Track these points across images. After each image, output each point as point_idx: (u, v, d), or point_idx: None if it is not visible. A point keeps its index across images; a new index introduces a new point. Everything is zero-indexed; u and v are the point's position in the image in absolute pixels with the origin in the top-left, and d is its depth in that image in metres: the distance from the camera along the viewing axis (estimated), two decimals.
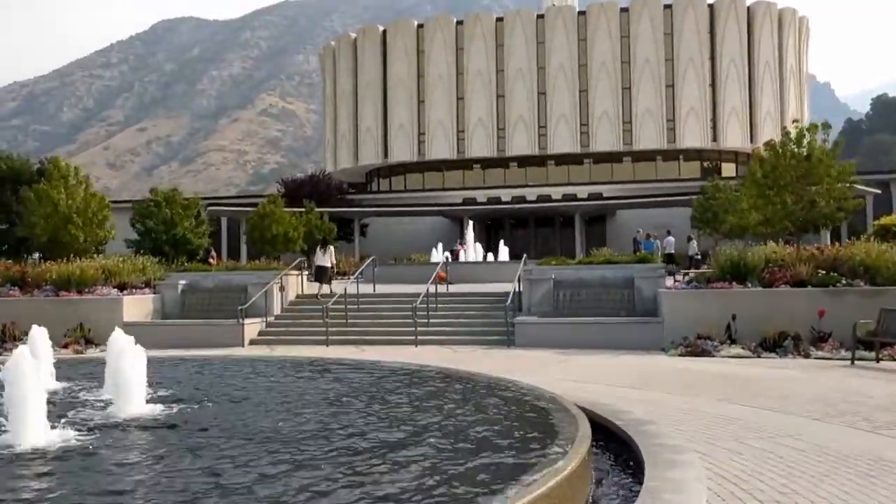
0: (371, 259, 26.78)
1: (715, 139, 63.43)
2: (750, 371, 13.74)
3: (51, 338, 19.62)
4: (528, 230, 55.61)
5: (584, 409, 7.33)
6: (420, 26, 68.46)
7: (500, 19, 67.05)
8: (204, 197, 56.84)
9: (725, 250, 18.49)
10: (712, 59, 63.70)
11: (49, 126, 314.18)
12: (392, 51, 67.59)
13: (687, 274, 21.57)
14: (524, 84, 64.11)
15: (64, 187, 23.25)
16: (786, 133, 20.14)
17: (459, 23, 67.28)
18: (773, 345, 15.90)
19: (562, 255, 29.97)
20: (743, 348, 15.96)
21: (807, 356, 15.46)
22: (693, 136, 62.84)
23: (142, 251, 28.89)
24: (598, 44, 63.66)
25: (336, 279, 26.71)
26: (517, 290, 20.11)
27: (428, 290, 20.12)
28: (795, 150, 19.72)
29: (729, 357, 15.65)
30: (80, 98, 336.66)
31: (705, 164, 63.27)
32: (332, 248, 27.50)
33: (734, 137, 63.12)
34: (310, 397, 8.36)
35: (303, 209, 41.90)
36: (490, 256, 34.04)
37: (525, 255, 23.67)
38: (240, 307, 19.25)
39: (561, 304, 19.48)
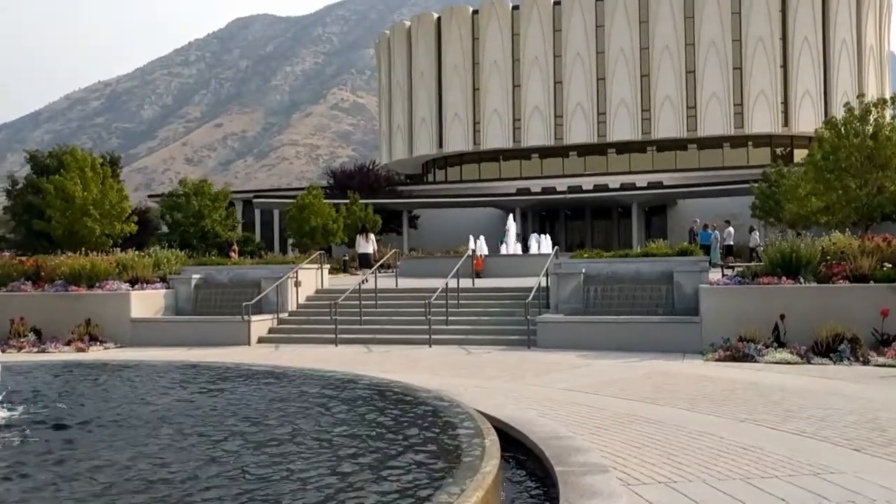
0: (393, 251, 25.45)
1: (786, 124, 59.89)
2: (793, 381, 11.82)
3: (57, 334, 19.04)
4: (585, 221, 53.48)
5: (533, 445, 5.73)
6: (475, 12, 66.77)
7: (557, 3, 64.78)
8: (258, 190, 56.63)
9: (775, 241, 16.42)
10: (783, 38, 60.07)
11: (131, 123, 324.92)
12: (446, 38, 66.08)
13: (728, 268, 19.47)
14: (583, 69, 61.79)
15: (80, 179, 22.45)
16: (849, 109, 17.75)
17: (515, 8, 65.29)
18: (826, 349, 13.88)
19: (620, 248, 28.14)
20: (791, 353, 13.97)
21: (865, 363, 13.40)
22: (762, 120, 59.43)
23: (167, 244, 28.09)
24: (660, 26, 60.80)
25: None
26: (545, 285, 18.55)
27: (447, 285, 18.64)
28: (860, 127, 17.37)
29: (773, 363, 13.70)
30: (159, 96, 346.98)
31: (776, 150, 59.75)
32: (372, 235, 27.84)
33: (807, 121, 59.38)
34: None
35: (347, 200, 40.84)
36: (534, 247, 32.30)
37: (556, 248, 21.92)
38: (245, 303, 18.13)
39: (591, 301, 17.77)
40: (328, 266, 23.22)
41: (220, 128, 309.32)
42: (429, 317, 16.89)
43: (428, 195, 56.43)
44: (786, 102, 60.08)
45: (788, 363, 13.60)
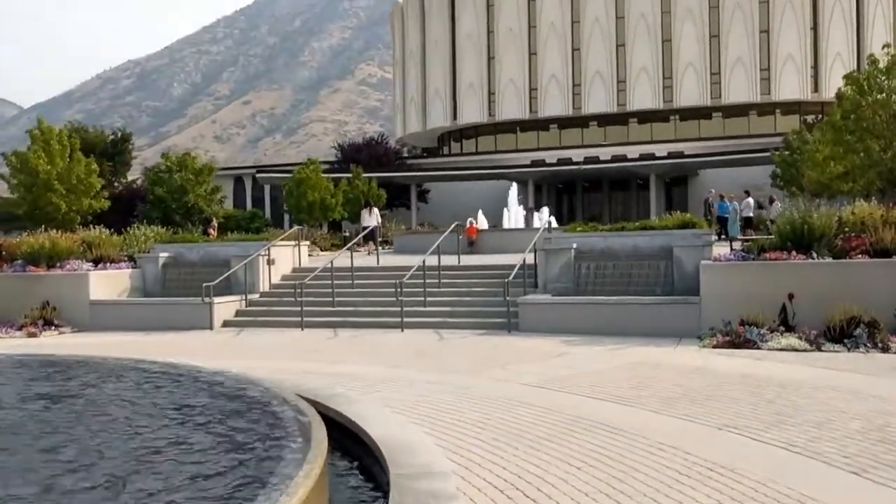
0: (373, 227, 23.92)
1: (816, 89, 56.95)
2: (796, 374, 10.15)
3: (13, 318, 17.82)
4: (603, 193, 51.36)
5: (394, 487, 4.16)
6: None
7: None
8: (261, 165, 55.32)
9: (786, 211, 14.60)
10: None
11: (160, 102, 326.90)
12: (460, 6, 63.75)
13: (746, 241, 17.66)
14: (601, 36, 59.21)
15: (44, 152, 21.09)
16: (873, 61, 15.71)
17: None
18: (839, 334, 12.16)
19: (639, 221, 26.36)
20: (799, 338, 12.27)
21: (885, 349, 11.68)
22: (791, 86, 56.57)
23: (145, 220, 26.74)
24: None
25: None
26: (532, 262, 16.99)
27: (425, 262, 17.10)
28: (886, 82, 15.35)
29: (779, 350, 12.01)
30: (188, 74, 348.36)
31: (806, 117, 56.85)
32: (376, 210, 27.90)
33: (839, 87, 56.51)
34: None
35: (350, 174, 39.37)
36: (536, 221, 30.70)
37: (550, 222, 20.23)
38: (205, 284, 16.69)
39: (582, 279, 16.13)
40: (306, 243, 21.76)
41: (248, 105, 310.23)
42: (400, 298, 15.39)
43: (437, 168, 54.60)
44: (816, 67, 57.15)
45: (795, 350, 11.92)
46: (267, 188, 53.80)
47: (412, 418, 7.70)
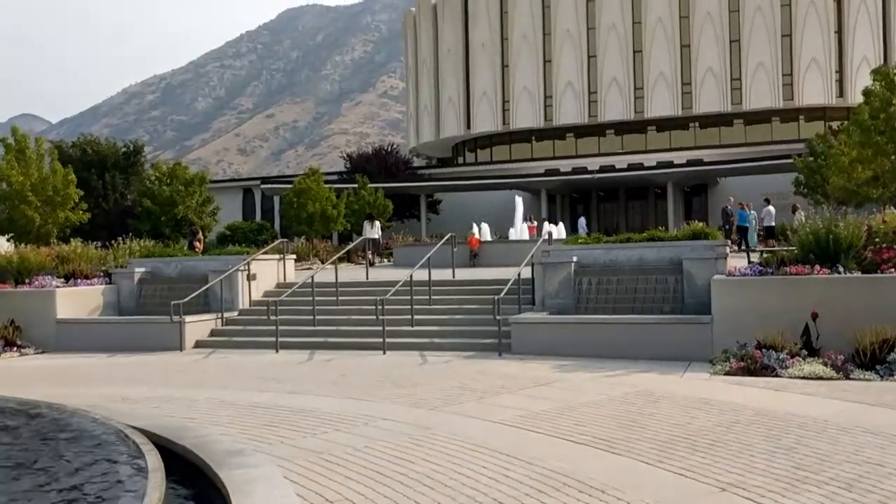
0: (361, 238, 22.61)
1: (841, 94, 55.05)
2: (820, 409, 8.64)
3: None
4: (619, 203, 49.71)
5: None
6: None
7: None
8: (265, 177, 54.17)
9: (809, 221, 13.07)
10: (838, 0, 55.21)
11: (185, 116, 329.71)
12: (474, 13, 62.56)
13: (763, 254, 16.16)
14: (618, 42, 57.68)
15: (17, 161, 19.99)
16: None
17: None
18: (870, 359, 10.65)
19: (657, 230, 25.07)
20: (825, 364, 10.76)
21: None
22: (815, 91, 54.70)
23: (135, 233, 25.50)
24: None
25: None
26: (528, 276, 15.62)
27: (412, 277, 15.74)
28: None
29: (800, 378, 10.50)
30: (212, 88, 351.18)
31: (831, 123, 54.96)
32: (377, 222, 27.59)
33: None
34: None
35: (355, 184, 38.10)
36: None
37: (551, 233, 18.81)
38: (174, 302, 15.42)
39: (584, 296, 14.69)
40: (292, 256, 20.45)
41: (271, 118, 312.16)
42: (381, 317, 14.06)
43: (447, 178, 53.22)
44: (840, 71, 55.26)
45: (820, 378, 10.40)
46: (277, 200, 52.83)
47: (343, 474, 6.35)
